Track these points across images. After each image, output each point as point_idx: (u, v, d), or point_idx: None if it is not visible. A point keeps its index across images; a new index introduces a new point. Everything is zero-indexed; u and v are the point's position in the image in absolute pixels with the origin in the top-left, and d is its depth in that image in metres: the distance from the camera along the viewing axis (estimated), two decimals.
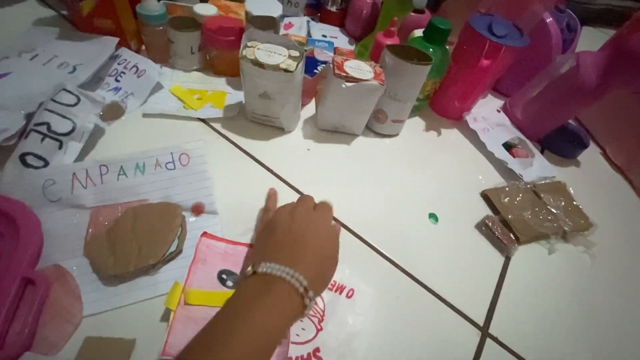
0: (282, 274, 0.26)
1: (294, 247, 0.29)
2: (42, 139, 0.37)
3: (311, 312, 0.35)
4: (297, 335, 0.33)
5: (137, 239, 0.33)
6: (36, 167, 0.36)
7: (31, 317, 0.28)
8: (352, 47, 0.68)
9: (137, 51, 0.53)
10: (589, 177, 0.59)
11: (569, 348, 0.37)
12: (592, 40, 0.70)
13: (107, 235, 0.34)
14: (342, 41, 0.69)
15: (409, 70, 0.46)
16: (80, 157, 0.39)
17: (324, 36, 0.67)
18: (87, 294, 0.31)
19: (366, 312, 0.36)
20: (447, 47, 0.52)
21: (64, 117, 0.38)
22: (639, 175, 0.59)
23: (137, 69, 0.49)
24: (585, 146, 0.60)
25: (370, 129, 0.54)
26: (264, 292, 0.26)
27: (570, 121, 0.60)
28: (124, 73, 0.49)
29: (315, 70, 0.52)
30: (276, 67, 0.40)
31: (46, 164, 0.36)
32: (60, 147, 0.37)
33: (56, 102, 0.39)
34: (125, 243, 0.33)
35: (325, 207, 0.34)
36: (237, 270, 0.35)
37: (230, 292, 0.30)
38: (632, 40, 0.48)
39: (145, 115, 0.47)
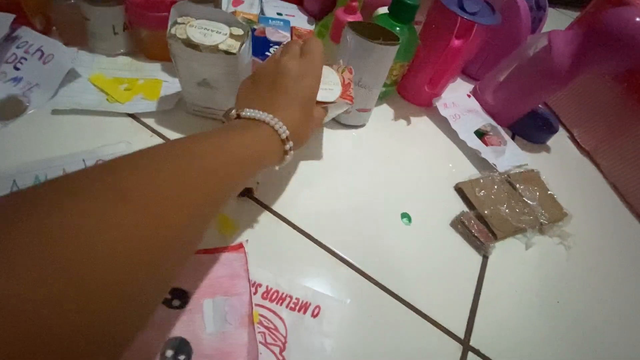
0: (267, 118, 0.27)
1: (278, 99, 0.29)
2: None
3: (271, 341, 0.30)
4: None
5: None
6: None
7: None
8: (312, 27, 0.61)
9: (45, 32, 0.43)
10: (559, 163, 0.57)
11: (554, 351, 0.35)
12: (556, 21, 0.68)
13: None
14: (300, 20, 0.61)
15: (374, 51, 0.40)
16: None
17: (280, 14, 0.60)
18: None
19: (336, 331, 0.31)
20: (415, 26, 0.47)
21: None
22: (606, 158, 0.58)
23: (42, 54, 0.39)
24: (555, 131, 0.58)
25: (334, 119, 0.48)
26: (245, 129, 0.26)
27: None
28: (25, 59, 0.39)
29: (267, 53, 0.45)
30: (214, 49, 0.33)
31: None
32: None
33: None
34: None
35: (313, 54, 0.31)
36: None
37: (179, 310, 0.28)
38: (604, 18, 0.45)
39: (55, 111, 0.37)
